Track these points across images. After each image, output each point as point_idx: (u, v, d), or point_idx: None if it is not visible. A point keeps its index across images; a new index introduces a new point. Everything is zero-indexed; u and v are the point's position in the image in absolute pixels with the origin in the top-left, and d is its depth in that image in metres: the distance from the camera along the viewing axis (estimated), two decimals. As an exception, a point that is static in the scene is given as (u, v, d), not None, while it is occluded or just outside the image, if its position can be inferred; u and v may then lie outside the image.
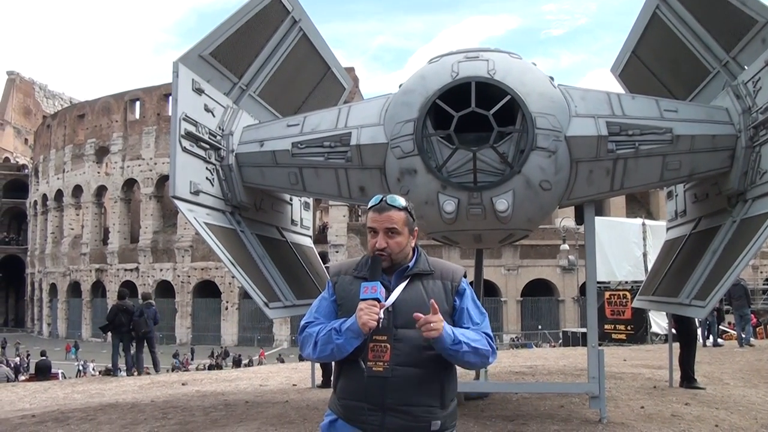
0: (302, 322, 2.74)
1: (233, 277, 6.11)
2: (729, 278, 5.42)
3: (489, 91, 5.20)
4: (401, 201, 2.72)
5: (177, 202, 5.76)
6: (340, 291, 2.72)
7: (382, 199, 2.70)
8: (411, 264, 2.72)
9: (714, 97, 6.44)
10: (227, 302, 52.21)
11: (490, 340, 2.68)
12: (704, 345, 16.56)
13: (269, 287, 6.29)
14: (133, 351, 14.25)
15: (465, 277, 2.81)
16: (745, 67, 6.07)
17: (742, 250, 5.45)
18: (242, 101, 6.91)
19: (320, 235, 49.25)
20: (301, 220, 8.75)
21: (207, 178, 6.22)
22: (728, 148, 5.86)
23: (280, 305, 6.27)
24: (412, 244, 2.76)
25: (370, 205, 2.73)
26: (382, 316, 2.51)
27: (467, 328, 2.65)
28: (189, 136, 5.88)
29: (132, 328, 13.90)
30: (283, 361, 30.43)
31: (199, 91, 6.11)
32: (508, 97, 5.15)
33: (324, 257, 43.97)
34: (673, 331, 9.75)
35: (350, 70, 45.08)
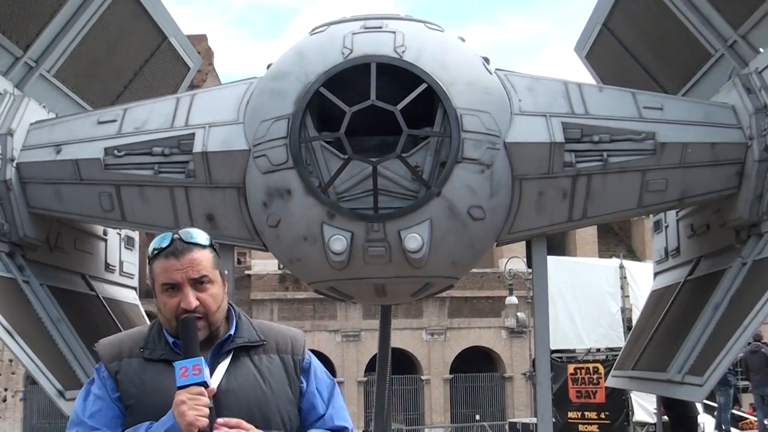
0: None
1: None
2: (736, 344, 5.67)
3: (397, 77, 5.30)
4: (202, 236, 2.74)
5: None
6: (128, 385, 2.65)
7: (173, 238, 2.68)
8: (232, 331, 2.72)
9: (716, 91, 6.76)
10: (6, 390, 50.06)
11: None
12: None
13: (67, 368, 6.12)
14: None
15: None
16: (760, 50, 6.41)
17: (754, 303, 5.70)
18: (29, 85, 6.77)
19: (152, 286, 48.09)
20: (121, 264, 8.57)
21: (-31, 201, 6.03)
22: (735, 162, 6.15)
23: (85, 394, 6.08)
24: (226, 299, 2.76)
25: (155, 248, 2.69)
26: (212, 405, 2.49)
27: (316, 421, 2.71)
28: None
29: None
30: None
31: (-41, 68, 5.95)
32: (424, 85, 5.25)
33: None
34: (665, 418, 10.13)
35: (200, 40, 44.69)
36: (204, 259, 2.67)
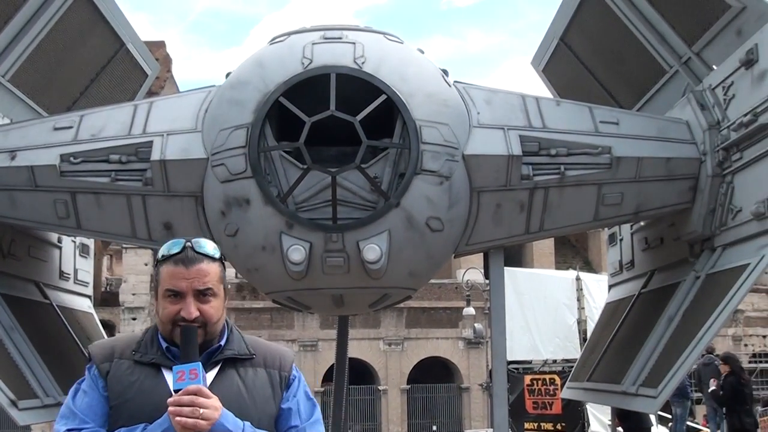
0: (60, 429, 2.65)
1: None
2: (690, 356, 5.75)
3: (356, 88, 5.32)
4: (213, 247, 2.75)
5: None
6: (116, 385, 2.66)
7: (185, 246, 2.69)
8: (222, 342, 2.73)
9: (671, 106, 6.86)
10: (-43, 399, 49.22)
11: None
12: None
13: (19, 377, 6.06)
14: None
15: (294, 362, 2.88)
16: (714, 67, 6.51)
17: (707, 316, 5.78)
18: (-17, 90, 6.68)
19: (108, 295, 47.65)
20: (75, 272, 8.49)
21: None
22: (688, 177, 6.26)
23: (37, 404, 6.05)
24: (225, 312, 2.78)
25: (164, 254, 2.70)
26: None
27: (290, 429, 2.73)
28: None
29: None
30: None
31: None
32: (383, 97, 5.28)
33: (112, 328, 42.56)
34: (620, 429, 10.22)
35: (158, 47, 44.39)
36: (212, 271, 2.68)
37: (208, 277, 2.66)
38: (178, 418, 2.43)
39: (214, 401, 2.48)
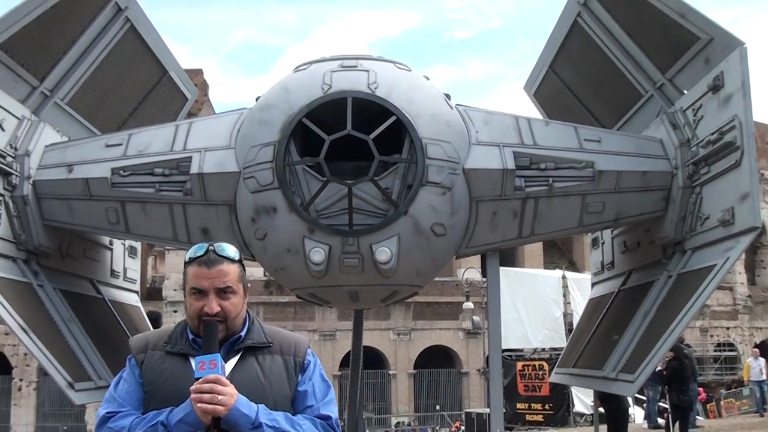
0: (101, 412, 2.68)
1: (30, 347, 5.93)
2: (663, 346, 5.73)
3: (370, 110, 5.32)
4: (233, 250, 2.77)
5: None
6: (149, 373, 2.70)
7: (208, 249, 2.72)
8: (243, 333, 2.74)
9: (647, 126, 6.85)
10: (21, 381, 49.35)
11: (327, 426, 2.76)
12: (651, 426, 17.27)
13: (76, 362, 6.06)
14: None
15: (309, 348, 2.89)
16: (684, 92, 6.49)
17: (679, 311, 5.77)
18: (45, 111, 6.71)
19: (153, 290, 47.78)
20: (125, 270, 8.50)
21: (-9, 213, 5.96)
22: (662, 188, 6.24)
23: (91, 386, 6.04)
24: (246, 307, 2.79)
25: (191, 256, 2.74)
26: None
27: (305, 409, 2.73)
28: (-34, 156, 5.63)
29: None
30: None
31: (-18, 96, 5.89)
32: (393, 118, 5.28)
33: (157, 319, 42.63)
34: (601, 410, 10.18)
35: (197, 74, 44.50)
36: (231, 272, 2.72)
37: (228, 277, 2.70)
38: (199, 404, 2.46)
39: (231, 389, 2.51)
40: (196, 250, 2.73)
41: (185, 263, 2.76)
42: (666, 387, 14.28)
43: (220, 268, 2.68)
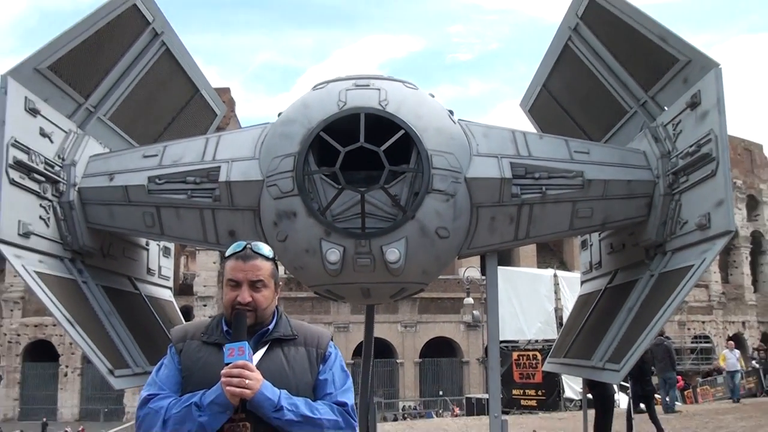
0: (143, 394, 2.69)
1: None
2: (646, 338, 5.69)
3: (381, 124, 5.31)
4: (267, 249, 2.80)
5: (1, 246, 5.48)
6: (186, 360, 2.72)
7: (246, 246, 2.75)
8: (271, 326, 2.74)
9: (631, 139, 6.82)
10: (67, 367, 49.57)
11: (344, 411, 2.74)
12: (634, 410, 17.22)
13: (116, 351, 6.07)
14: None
15: (331, 341, 2.89)
16: (665, 108, 6.46)
17: (660, 307, 5.74)
18: (89, 126, 6.72)
19: (184, 286, 47.95)
20: (160, 268, 8.51)
21: (41, 217, 5.96)
22: (645, 195, 6.21)
23: (129, 372, 6.05)
24: (276, 302, 2.79)
25: (230, 252, 2.78)
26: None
27: (324, 396, 2.73)
28: (19, 165, 5.63)
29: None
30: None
31: (34, 111, 5.89)
32: (402, 131, 5.26)
33: (188, 313, 42.75)
34: (589, 396, 10.13)
35: (225, 92, 44.73)
36: (264, 267, 2.75)
37: (261, 272, 2.73)
38: (228, 387, 2.49)
39: (257, 374, 2.53)
40: (236, 246, 2.78)
41: (225, 258, 2.80)
42: (629, 378, 14.03)
43: (254, 263, 2.72)
